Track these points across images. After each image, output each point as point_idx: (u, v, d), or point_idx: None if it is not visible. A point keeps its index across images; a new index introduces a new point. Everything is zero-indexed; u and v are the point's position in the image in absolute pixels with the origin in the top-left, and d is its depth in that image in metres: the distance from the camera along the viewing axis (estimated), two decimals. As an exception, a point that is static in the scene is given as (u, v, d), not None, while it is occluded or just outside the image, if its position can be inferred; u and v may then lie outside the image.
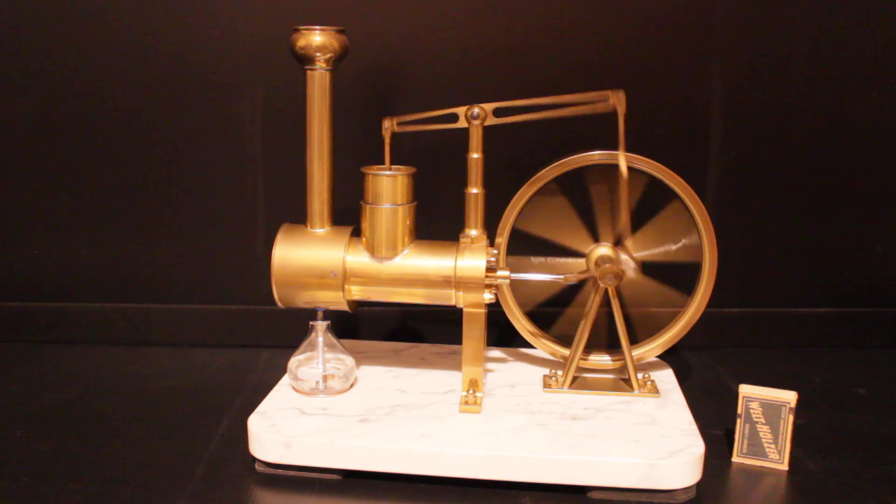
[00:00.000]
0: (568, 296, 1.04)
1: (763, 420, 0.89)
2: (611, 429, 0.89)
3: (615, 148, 0.94)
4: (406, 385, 1.00)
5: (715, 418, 0.99)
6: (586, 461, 0.83)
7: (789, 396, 0.88)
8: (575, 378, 1.01)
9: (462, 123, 0.96)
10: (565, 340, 1.04)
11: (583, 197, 1.00)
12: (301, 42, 0.91)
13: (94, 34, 1.16)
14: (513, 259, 1.03)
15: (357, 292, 0.95)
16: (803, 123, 1.19)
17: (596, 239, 1.01)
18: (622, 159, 0.93)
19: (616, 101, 0.93)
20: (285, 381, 1.00)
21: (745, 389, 0.89)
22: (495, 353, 1.11)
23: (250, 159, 1.20)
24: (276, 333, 1.23)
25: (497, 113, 0.96)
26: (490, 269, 0.93)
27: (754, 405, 0.89)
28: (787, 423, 0.88)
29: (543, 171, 0.98)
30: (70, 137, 1.19)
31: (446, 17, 1.15)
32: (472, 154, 0.96)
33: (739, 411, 0.90)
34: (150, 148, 1.19)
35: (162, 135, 1.19)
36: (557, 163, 0.98)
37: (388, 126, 0.96)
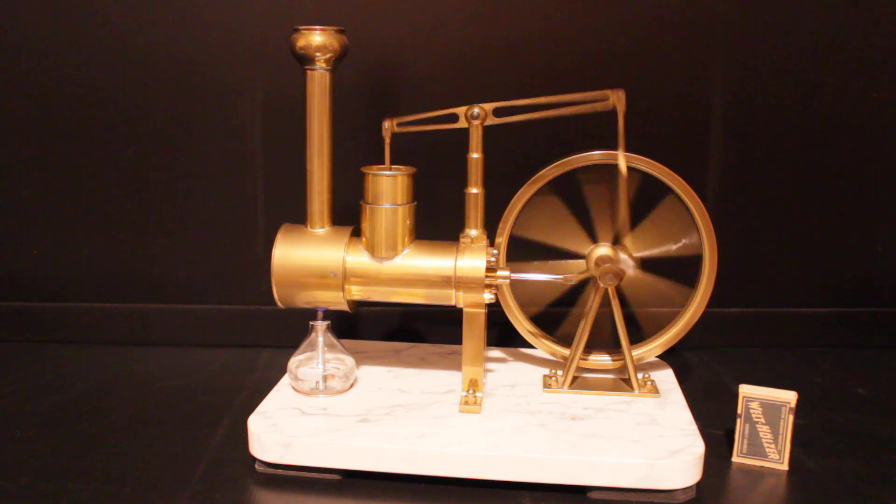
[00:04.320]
0: (572, 297, 1.04)
1: (763, 420, 0.89)
2: (611, 429, 0.89)
3: (615, 147, 0.94)
4: (406, 385, 1.00)
5: (715, 418, 0.99)
6: (586, 461, 0.83)
7: (789, 396, 0.88)
8: (575, 378, 1.01)
9: (462, 123, 0.96)
10: (570, 341, 1.04)
11: (579, 198, 1.00)
12: (301, 42, 0.91)
13: (94, 34, 1.16)
14: (514, 264, 1.03)
15: (357, 292, 0.95)
16: (803, 123, 1.19)
17: (594, 239, 1.01)
18: (622, 158, 0.93)
19: (616, 100, 0.93)
20: (285, 381, 1.00)
21: (745, 389, 0.89)
22: (495, 353, 1.11)
23: (250, 159, 1.20)
24: (276, 333, 1.23)
25: (497, 113, 0.96)
26: (490, 269, 0.93)
27: (754, 405, 0.89)
28: (787, 423, 0.88)
29: (543, 170, 0.98)
30: (70, 137, 1.19)
31: (446, 17, 1.15)
32: (472, 154, 0.96)
33: (739, 411, 0.90)
34: (150, 148, 1.19)
35: (162, 135, 1.19)
36: (557, 163, 0.98)
37: (388, 127, 0.97)
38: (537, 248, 1.03)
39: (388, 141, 0.96)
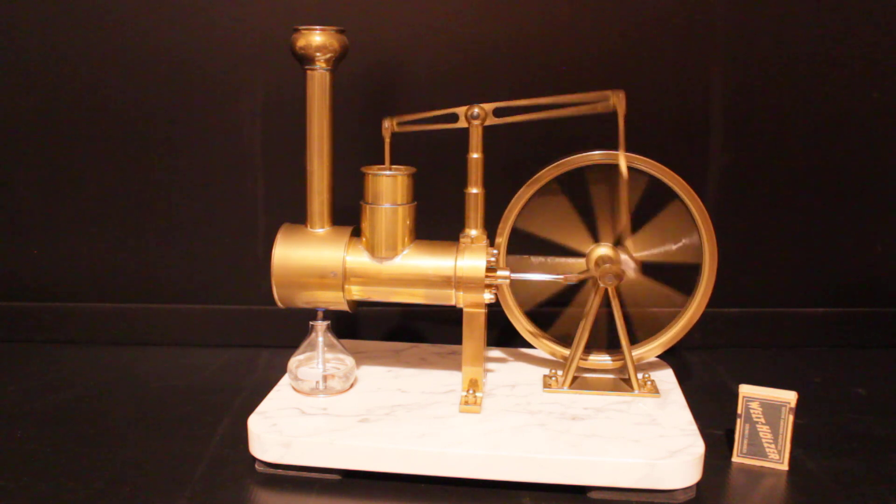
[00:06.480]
0: (568, 296, 1.04)
1: (763, 420, 0.89)
2: (611, 429, 0.89)
3: (615, 147, 0.94)
4: (406, 385, 1.00)
5: (715, 418, 0.99)
6: (586, 461, 0.83)
7: (789, 396, 0.88)
8: (575, 378, 1.01)
9: (462, 123, 0.96)
10: (565, 340, 1.04)
11: (583, 197, 1.00)
12: (301, 42, 0.91)
13: (94, 34, 1.16)
14: (513, 259, 1.03)
15: (357, 292, 0.95)
16: (803, 123, 1.19)
17: (596, 239, 1.01)
18: (622, 159, 0.93)
19: (616, 101, 0.93)
20: (285, 381, 1.00)
21: (745, 389, 0.89)
22: (495, 353, 1.11)
23: (250, 159, 1.20)
24: (276, 333, 1.23)
25: (497, 113, 0.96)
26: (490, 269, 0.93)
27: (754, 405, 0.89)
28: (787, 423, 0.88)
29: (543, 170, 0.98)
30: (70, 137, 1.19)
31: (446, 17, 1.15)
32: (472, 154, 0.96)
33: (739, 411, 0.90)
34: (150, 148, 1.19)
35: (162, 135, 1.19)
36: (557, 163, 0.98)
37: (389, 126, 0.97)
38: (538, 244, 1.02)
39: (387, 140, 0.96)
